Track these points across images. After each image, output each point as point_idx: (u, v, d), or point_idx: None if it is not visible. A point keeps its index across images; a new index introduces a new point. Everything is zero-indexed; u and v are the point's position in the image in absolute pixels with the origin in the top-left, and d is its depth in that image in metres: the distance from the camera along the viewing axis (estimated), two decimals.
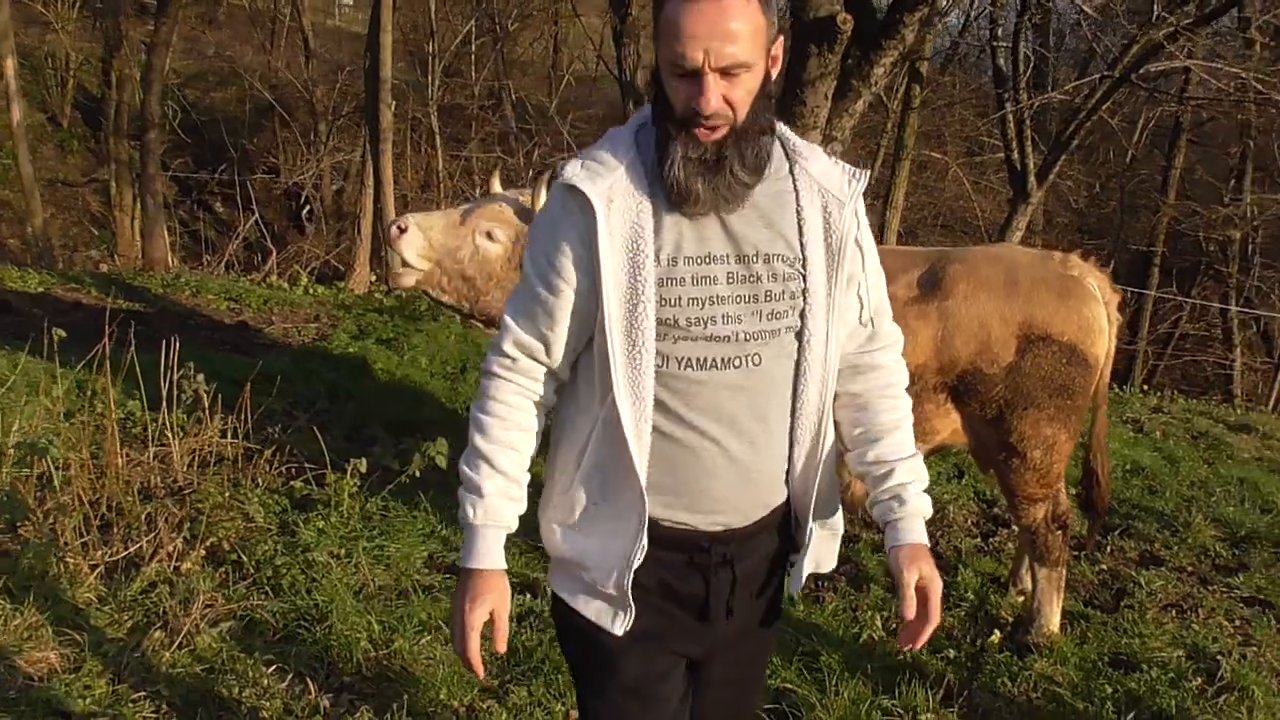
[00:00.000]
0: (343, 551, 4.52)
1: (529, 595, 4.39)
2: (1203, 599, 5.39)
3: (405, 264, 4.57)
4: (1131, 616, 5.00)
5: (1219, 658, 4.59)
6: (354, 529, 4.77)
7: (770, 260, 2.05)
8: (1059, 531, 4.58)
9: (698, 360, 2.02)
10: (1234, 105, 12.24)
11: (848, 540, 5.55)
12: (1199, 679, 4.36)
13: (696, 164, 1.94)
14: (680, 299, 2.00)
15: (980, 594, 5.01)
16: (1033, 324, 4.39)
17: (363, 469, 4.92)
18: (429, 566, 4.65)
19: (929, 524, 2.24)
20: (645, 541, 2.05)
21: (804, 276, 2.07)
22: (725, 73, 1.89)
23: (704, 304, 2.01)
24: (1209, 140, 19.01)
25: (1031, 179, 10.50)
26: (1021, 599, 5.04)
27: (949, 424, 4.58)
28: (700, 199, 1.96)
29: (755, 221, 2.05)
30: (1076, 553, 5.53)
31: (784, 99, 5.39)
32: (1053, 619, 4.61)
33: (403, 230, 4.52)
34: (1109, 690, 4.17)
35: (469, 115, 15.70)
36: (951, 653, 4.35)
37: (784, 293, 2.06)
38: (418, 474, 4.97)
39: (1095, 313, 4.47)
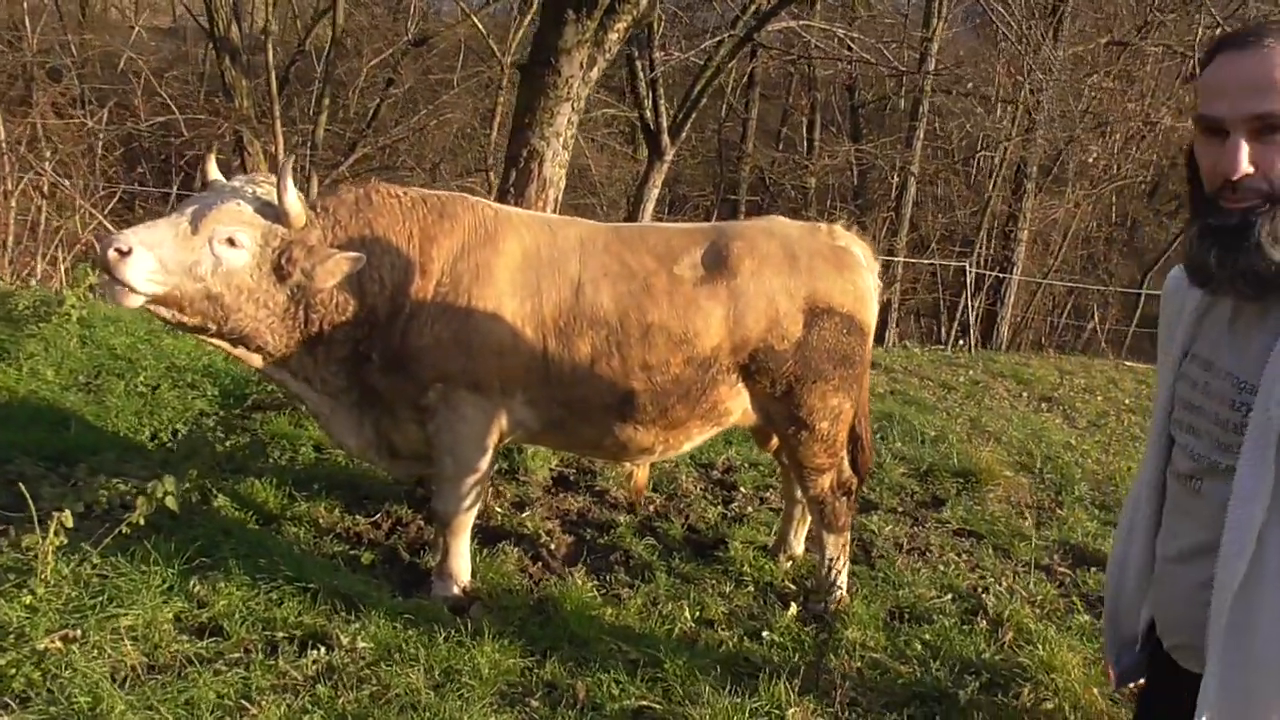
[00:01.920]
0: (77, 632, 3.67)
1: (323, 649, 3.79)
2: (927, 539, 5.76)
3: (132, 290, 3.72)
4: (885, 567, 5.23)
5: (981, 595, 4.91)
6: (72, 599, 3.90)
7: (1224, 378, 1.88)
8: (845, 498, 4.66)
9: (1173, 466, 2.02)
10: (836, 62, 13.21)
11: (608, 526, 5.38)
12: (982, 620, 4.62)
13: (1214, 234, 1.78)
14: (1180, 399, 1.99)
15: (756, 566, 5.01)
16: (816, 297, 4.39)
17: (69, 522, 4.02)
18: (182, 631, 3.89)
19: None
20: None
21: (1245, 411, 1.81)
22: (1259, 134, 1.70)
23: (1187, 408, 1.97)
24: (777, 93, 20.57)
25: (665, 137, 10.72)
26: (790, 564, 5.11)
27: (740, 404, 4.50)
28: (1211, 275, 1.80)
29: (1255, 331, 1.83)
30: None
31: (536, 68, 5.00)
32: (842, 583, 4.70)
33: (124, 253, 3.65)
34: (917, 647, 4.31)
35: (29, 75, 13.49)
36: (770, 636, 4.30)
37: (1228, 424, 1.86)
38: (142, 521, 4.16)
39: (867, 281, 4.56)
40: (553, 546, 5.08)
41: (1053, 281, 17.37)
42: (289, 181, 3.87)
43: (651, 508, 5.71)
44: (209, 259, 3.80)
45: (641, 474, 5.09)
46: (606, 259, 4.30)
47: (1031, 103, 14.96)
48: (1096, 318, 19.68)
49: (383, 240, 4.08)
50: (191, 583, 4.13)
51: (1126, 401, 11.30)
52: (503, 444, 4.47)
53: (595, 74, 5.11)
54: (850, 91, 19.22)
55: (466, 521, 4.41)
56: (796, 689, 3.74)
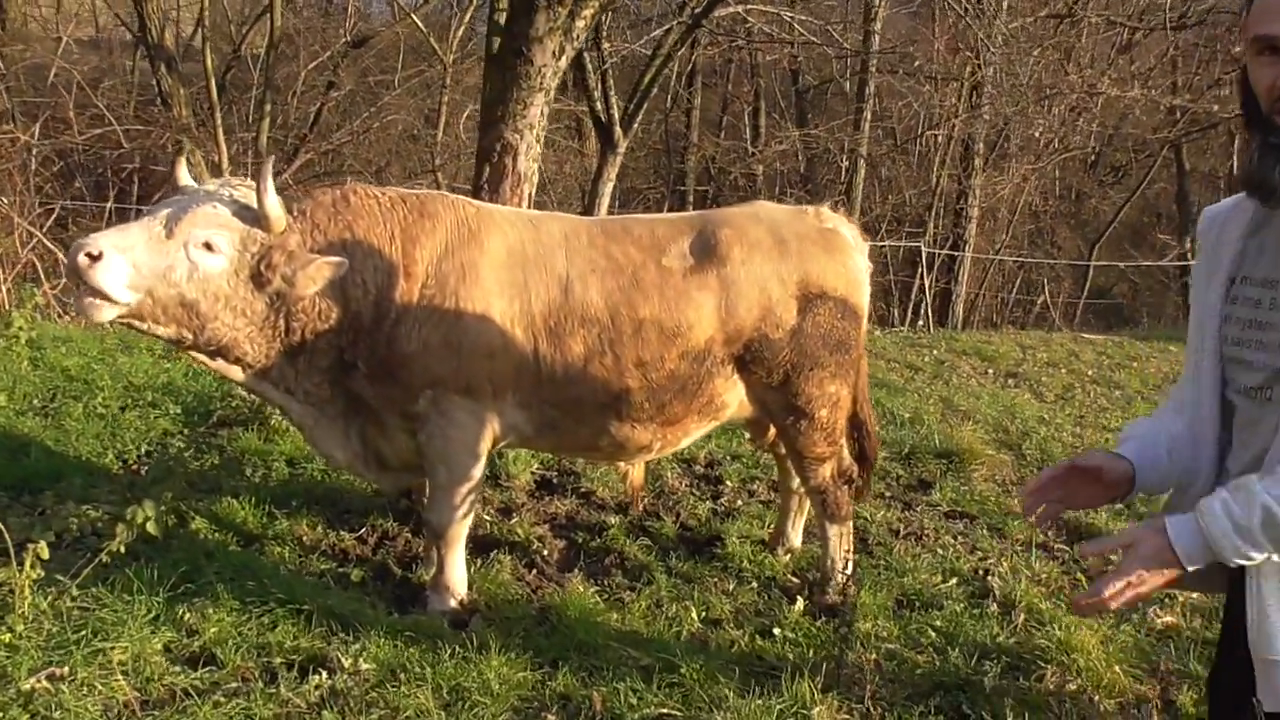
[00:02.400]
0: (64, 669, 3.47)
1: (324, 673, 3.62)
2: (920, 523, 5.69)
3: (104, 298, 3.52)
4: (884, 554, 5.15)
5: (986, 578, 4.84)
6: (54, 635, 3.70)
7: None
8: (846, 486, 4.57)
9: (1238, 384, 2.13)
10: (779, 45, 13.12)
11: (599, 529, 5.25)
12: (992, 604, 4.54)
13: (1275, 150, 1.90)
14: (1237, 320, 2.12)
15: (755, 561, 4.90)
16: (808, 282, 4.28)
17: (44, 554, 3.81)
18: (173, 661, 3.70)
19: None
20: None
21: None
22: None
23: (1249, 327, 2.08)
24: (716, 81, 20.52)
25: (617, 129, 10.58)
26: (788, 557, 5.01)
27: (737, 397, 4.38)
28: (1274, 190, 1.92)
29: None
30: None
31: (507, 58, 4.84)
32: (847, 575, 4.61)
33: (95, 258, 3.45)
34: (931, 635, 4.23)
35: None
36: (781, 632, 4.20)
37: None
38: (123, 549, 3.97)
39: (858, 264, 4.46)
40: (545, 553, 4.94)
41: (1004, 258, 17.51)
42: (269, 183, 3.68)
43: (641, 507, 5.58)
44: (184, 264, 3.61)
45: (638, 473, 4.96)
46: (593, 254, 4.16)
47: (983, 75, 15.00)
48: (1047, 291, 19.86)
49: (364, 243, 3.90)
50: (178, 610, 3.95)
51: (1089, 373, 11.37)
52: (495, 449, 4.32)
53: (564, 63, 4.97)
54: (794, 76, 19.20)
55: (462, 532, 4.26)
56: (819, 686, 3.64)
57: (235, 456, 5.84)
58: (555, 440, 4.35)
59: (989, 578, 4.84)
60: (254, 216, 3.72)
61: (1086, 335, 14.45)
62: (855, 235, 4.53)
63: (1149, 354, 12.93)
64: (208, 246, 3.64)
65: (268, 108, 13.62)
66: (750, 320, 4.22)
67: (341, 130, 15.74)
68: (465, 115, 14.74)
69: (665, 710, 3.55)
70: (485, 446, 4.15)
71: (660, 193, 18.50)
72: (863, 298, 4.47)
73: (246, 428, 6.37)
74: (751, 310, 4.22)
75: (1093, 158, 20.86)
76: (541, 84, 4.81)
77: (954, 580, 4.82)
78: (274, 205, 3.70)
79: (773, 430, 4.85)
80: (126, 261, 3.49)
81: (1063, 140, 17.51)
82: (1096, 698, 3.80)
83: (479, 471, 4.19)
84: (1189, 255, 21.90)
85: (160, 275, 3.57)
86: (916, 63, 16.05)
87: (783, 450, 4.96)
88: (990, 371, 11.02)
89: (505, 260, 4.06)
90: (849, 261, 4.42)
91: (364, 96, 16.26)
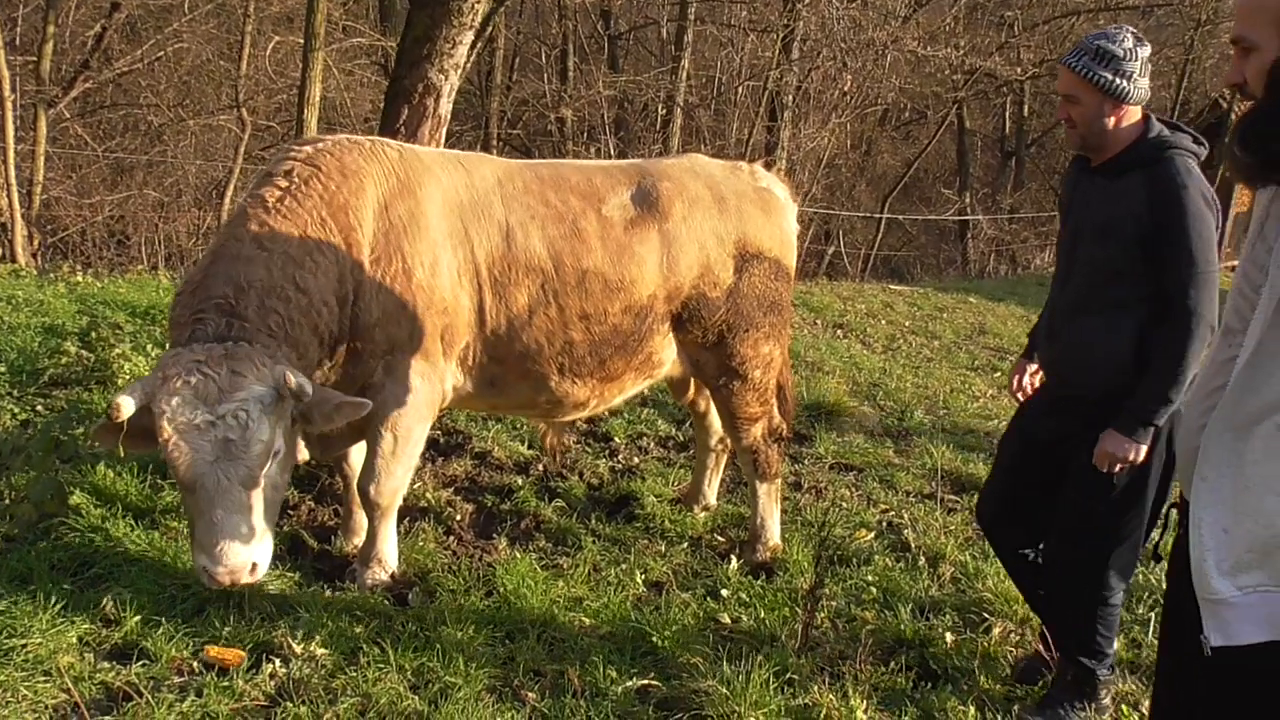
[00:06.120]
0: None
1: (277, 661, 3.33)
2: (813, 477, 5.77)
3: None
4: (791, 509, 5.18)
5: (903, 532, 4.95)
6: None
7: None
8: (776, 445, 4.56)
9: None
10: None
11: (506, 491, 5.07)
12: (921, 557, 4.64)
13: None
14: None
15: (677, 521, 4.84)
16: (746, 242, 4.23)
17: None
18: (92, 653, 3.32)
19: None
20: None
21: None
22: (1237, 45, 2.07)
23: None
24: (522, 20, 20.07)
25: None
26: (704, 515, 4.98)
27: (671, 355, 4.29)
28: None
29: None
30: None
31: None
32: (776, 532, 4.62)
33: (255, 568, 3.38)
34: (873, 592, 4.27)
35: None
36: (728, 594, 4.16)
37: None
38: (16, 531, 3.54)
39: (790, 224, 4.44)
40: (459, 518, 4.72)
41: (808, 209, 17.95)
42: (303, 379, 3.27)
43: (541, 467, 5.42)
44: (268, 483, 3.34)
45: (551, 434, 4.78)
46: (530, 200, 3.94)
47: (798, 27, 15.22)
48: (842, 242, 20.59)
49: (309, 257, 3.52)
50: (88, 598, 3.55)
51: (906, 324, 11.84)
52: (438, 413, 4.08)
53: None
54: (605, 20, 18.99)
55: (397, 502, 4.01)
56: (793, 650, 3.62)
57: (85, 420, 5.29)
58: (494, 399, 4.13)
59: (905, 531, 4.95)
60: (276, 393, 3.25)
61: (894, 287, 15.06)
62: (787, 195, 4.49)
63: (954, 305, 13.60)
64: (274, 455, 3.33)
65: (51, 29, 12.27)
66: (690, 278, 4.12)
67: (126, 58, 14.44)
68: (271, 48, 13.84)
69: (646, 682, 3.46)
70: (433, 411, 3.91)
71: (474, 135, 18.02)
72: (793, 259, 4.44)
73: (85, 387, 5.81)
74: (691, 268, 4.12)
75: (883, 111, 21.65)
76: (473, 21, 4.51)
77: (872, 535, 4.90)
78: (309, 387, 3.30)
79: (693, 388, 4.79)
80: (264, 542, 3.32)
81: (867, 94, 18.04)
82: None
83: (423, 438, 3.95)
84: (968, 210, 23.17)
85: (271, 512, 3.42)
86: (744, 11, 16.14)
87: (702, 408, 4.92)
88: (818, 322, 11.30)
89: (443, 208, 3.80)
90: (783, 223, 4.39)
91: (153, 21, 14.95)
